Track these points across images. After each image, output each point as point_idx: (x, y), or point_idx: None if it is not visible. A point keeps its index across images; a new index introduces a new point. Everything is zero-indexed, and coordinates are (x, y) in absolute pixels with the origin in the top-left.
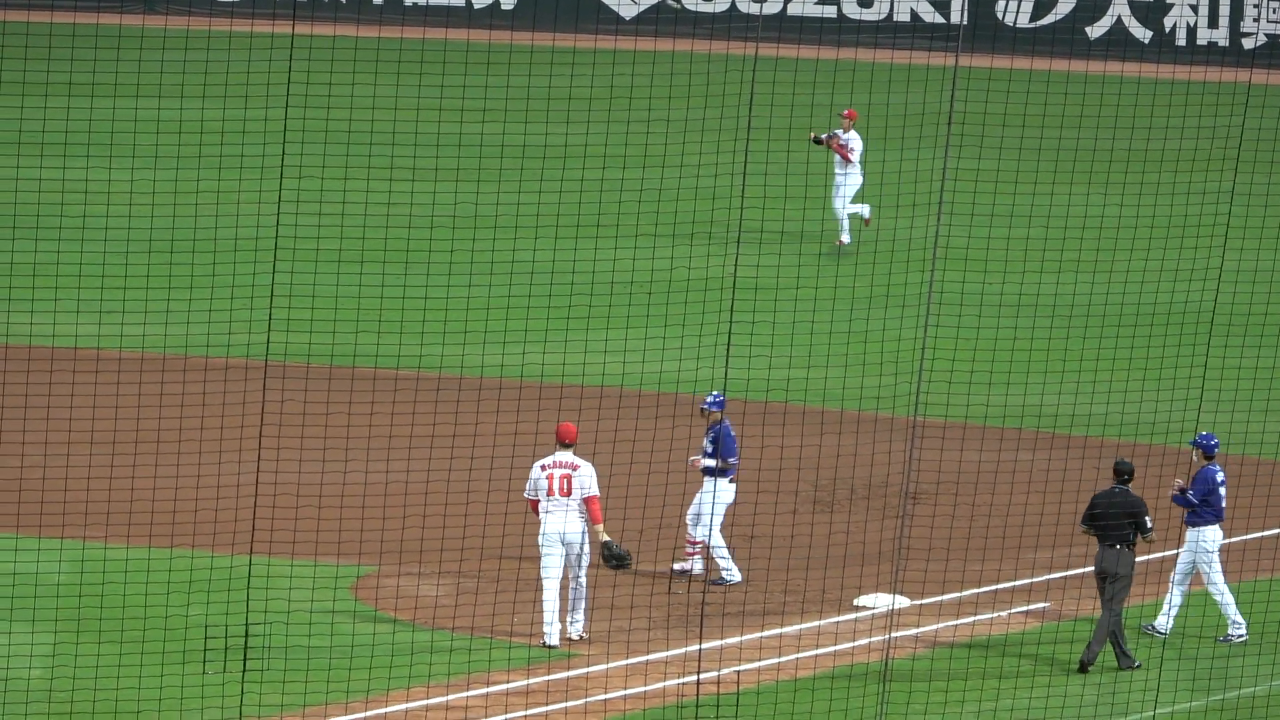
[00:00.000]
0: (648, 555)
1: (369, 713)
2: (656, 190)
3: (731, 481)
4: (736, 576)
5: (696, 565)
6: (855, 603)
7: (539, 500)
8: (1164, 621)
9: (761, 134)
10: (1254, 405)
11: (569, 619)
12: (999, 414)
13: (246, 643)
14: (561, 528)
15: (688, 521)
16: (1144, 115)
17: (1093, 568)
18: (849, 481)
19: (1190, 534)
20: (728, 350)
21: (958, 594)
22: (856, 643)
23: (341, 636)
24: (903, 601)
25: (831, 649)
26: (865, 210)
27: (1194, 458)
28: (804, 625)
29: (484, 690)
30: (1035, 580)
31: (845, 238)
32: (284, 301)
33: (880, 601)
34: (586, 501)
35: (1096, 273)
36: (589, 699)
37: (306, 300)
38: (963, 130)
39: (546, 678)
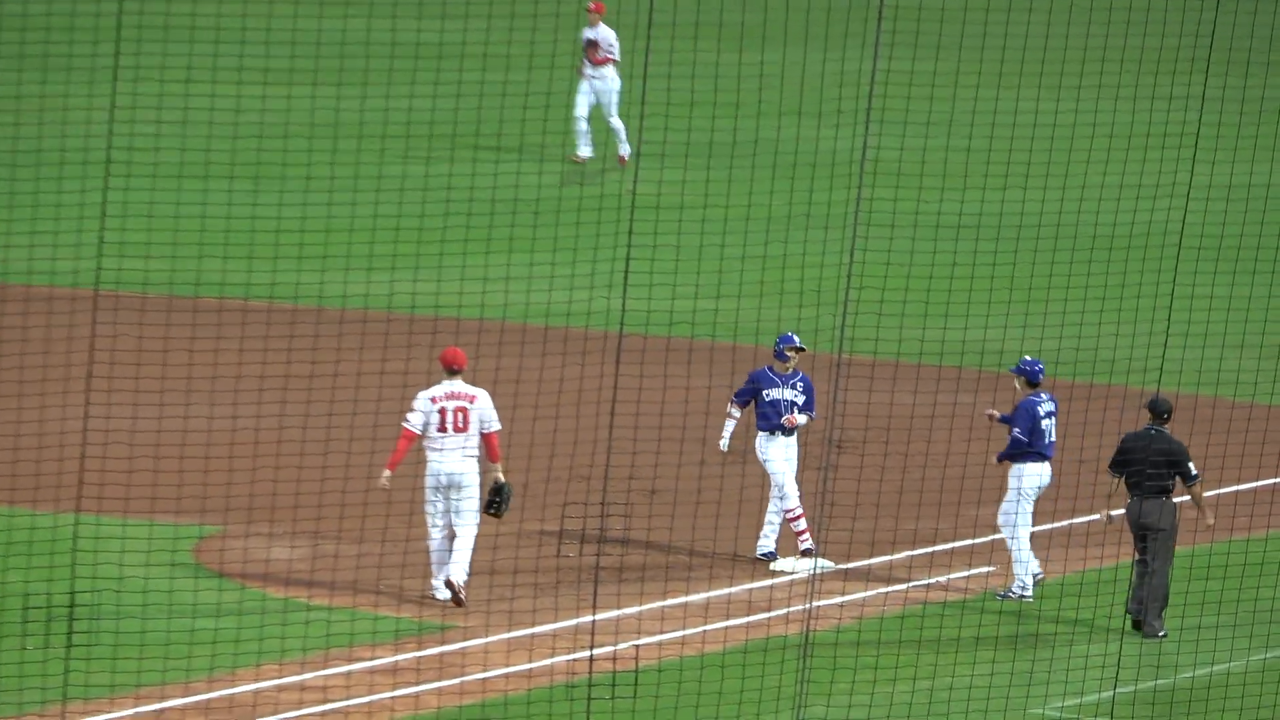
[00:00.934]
0: (533, 511)
1: (212, 694)
2: (544, 96)
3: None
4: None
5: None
6: (772, 567)
7: (425, 436)
8: (1021, 583)
9: (664, 31)
10: (1228, 340)
11: (450, 565)
12: (935, 351)
13: (72, 614)
14: (451, 468)
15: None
16: (1103, 6)
17: (1125, 520)
18: None
19: (1013, 470)
20: (625, 279)
21: (888, 556)
22: (773, 613)
23: (181, 607)
24: (826, 565)
25: (744, 620)
26: (622, 135)
27: (1016, 386)
28: (712, 593)
29: (345, 668)
30: (977, 541)
31: (585, 151)
32: (116, 223)
33: (800, 566)
34: (486, 438)
35: (1048, 189)
36: (465, 678)
37: (143, 221)
38: (894, 26)
39: (417, 654)
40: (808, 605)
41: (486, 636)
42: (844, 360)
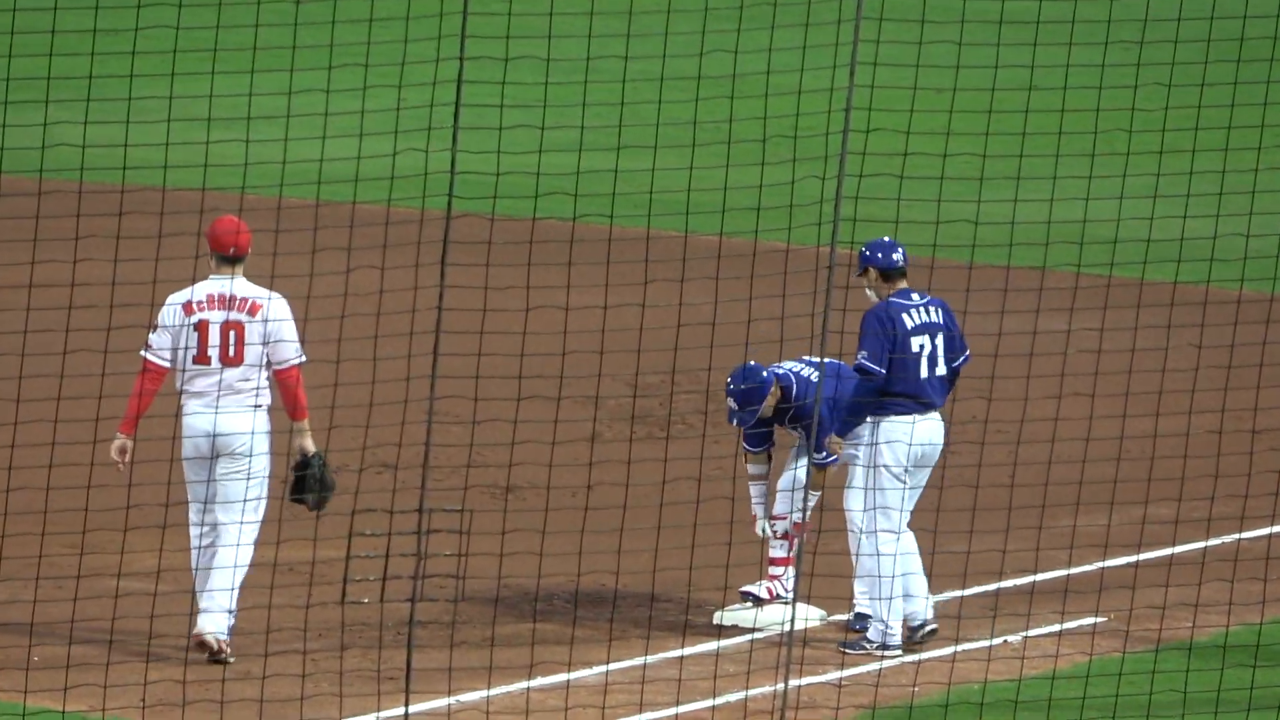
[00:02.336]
0: (298, 526)
1: None
2: None
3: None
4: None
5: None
6: (716, 619)
7: (172, 370)
8: (881, 626)
9: None
10: None
11: (202, 603)
12: (965, 240)
13: None
14: (214, 424)
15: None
16: None
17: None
18: (708, 379)
19: (865, 430)
20: (456, 111)
21: (921, 597)
22: (714, 701)
23: None
24: (812, 614)
25: (658, 714)
26: None
27: (867, 288)
28: (614, 666)
29: None
30: (1078, 571)
31: None
32: None
33: (765, 615)
34: (279, 377)
35: None
36: None
37: None
38: None
39: None
40: (779, 688)
41: None
42: (838, 259)
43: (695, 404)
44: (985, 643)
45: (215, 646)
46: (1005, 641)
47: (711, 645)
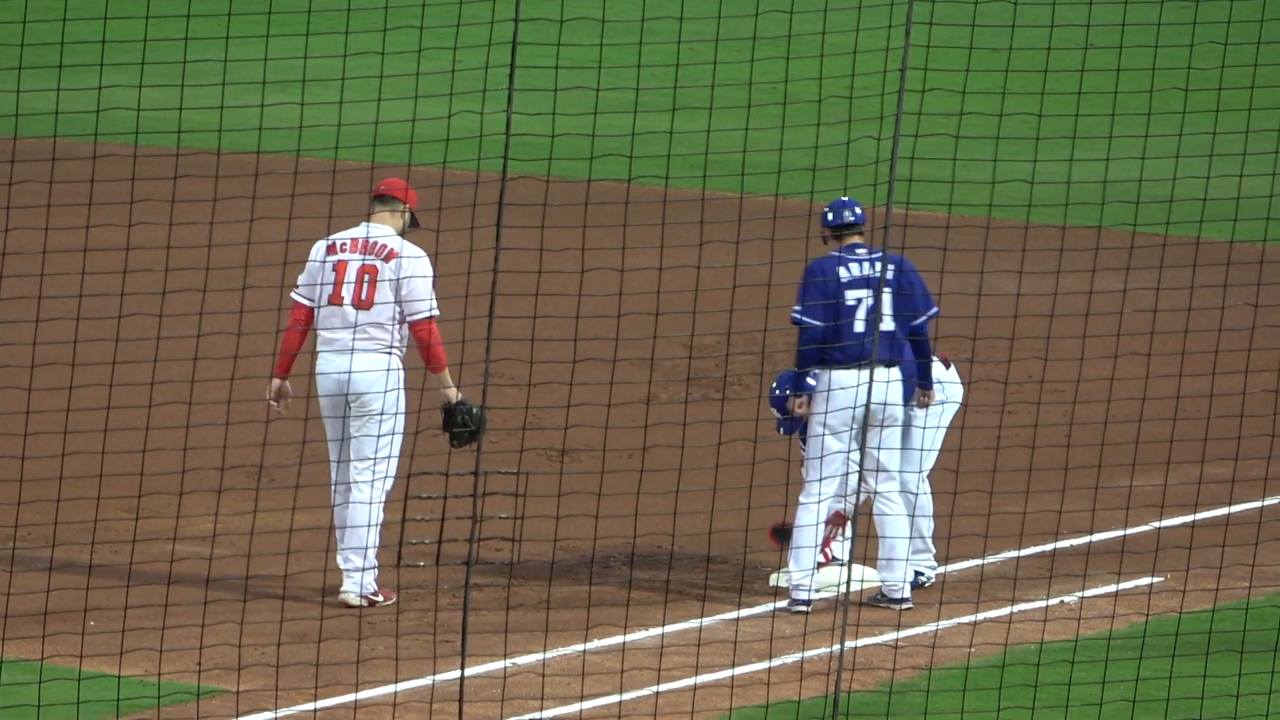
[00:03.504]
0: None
1: None
2: None
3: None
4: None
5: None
6: (773, 580)
7: (311, 309)
8: (791, 578)
9: None
10: None
11: (341, 564)
12: (1019, 199)
13: None
14: (343, 368)
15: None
16: None
17: None
18: (763, 340)
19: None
20: (511, 76)
21: (974, 561)
22: (771, 662)
23: None
24: (869, 575)
25: (714, 676)
26: None
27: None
28: (670, 628)
29: None
30: (1134, 531)
31: None
32: None
33: (821, 577)
34: (412, 330)
35: None
36: None
37: None
38: None
39: None
40: (835, 649)
41: (275, 710)
42: (899, 218)
43: (751, 365)
44: (1042, 603)
45: (360, 604)
46: (1062, 602)
47: (767, 607)
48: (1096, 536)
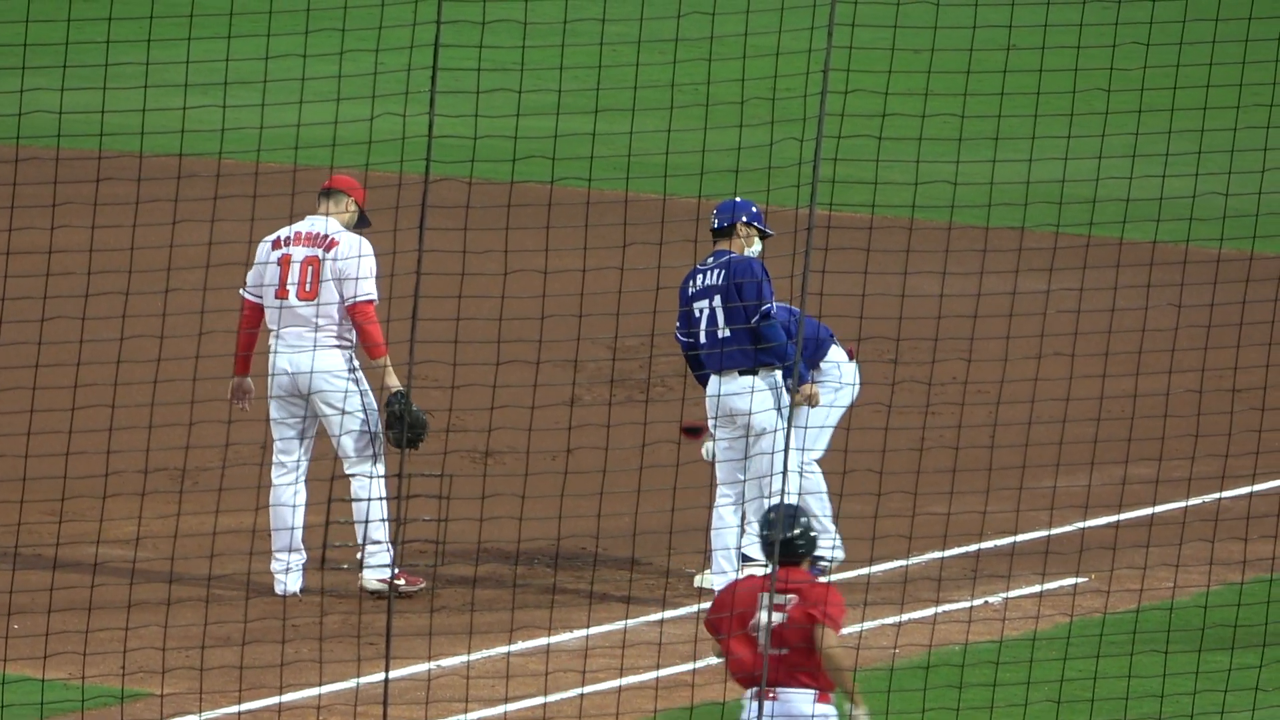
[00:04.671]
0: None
1: None
2: None
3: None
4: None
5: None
6: (697, 582)
7: (259, 305)
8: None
9: None
10: None
11: (363, 552)
12: (941, 198)
13: None
14: (292, 363)
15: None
16: None
17: None
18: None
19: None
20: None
21: (900, 562)
22: (696, 664)
23: None
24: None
25: (639, 678)
26: None
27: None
28: (594, 630)
29: None
30: (1058, 532)
31: None
32: None
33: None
34: (351, 312)
35: None
36: None
37: None
38: None
39: None
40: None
41: (199, 713)
42: (822, 219)
43: (675, 366)
44: (966, 604)
45: (384, 590)
46: (986, 603)
47: (692, 608)
48: (1021, 537)
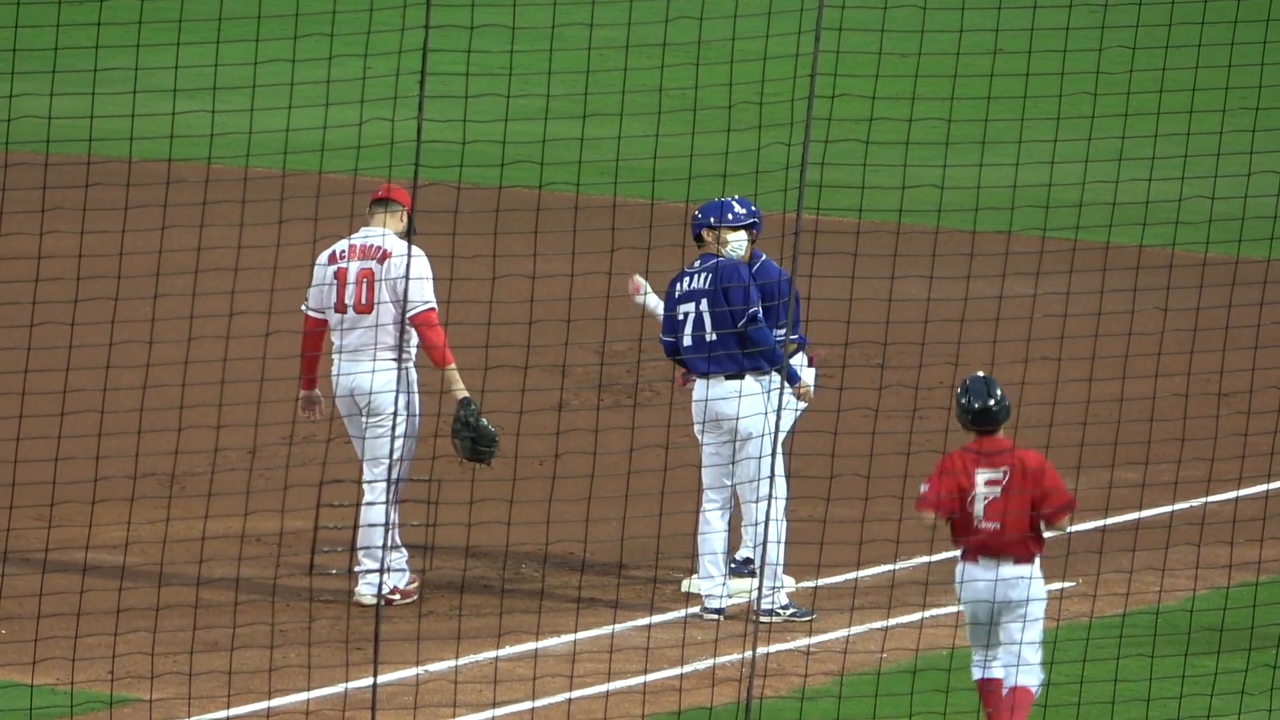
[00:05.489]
0: (261, 497)
1: None
2: None
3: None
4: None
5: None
6: (684, 587)
7: (319, 319)
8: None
9: None
10: None
11: (360, 561)
12: (928, 202)
13: None
14: (353, 375)
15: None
16: None
17: None
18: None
19: (708, 385)
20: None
21: (888, 566)
22: (683, 669)
23: None
24: (785, 582)
25: (626, 683)
26: None
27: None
28: (578, 635)
29: None
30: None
31: None
32: None
33: (734, 584)
34: (413, 324)
35: None
36: None
37: None
38: None
39: None
40: (747, 654)
41: (188, 718)
42: (810, 223)
43: (662, 371)
44: (954, 609)
45: (373, 603)
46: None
47: (679, 613)
48: None
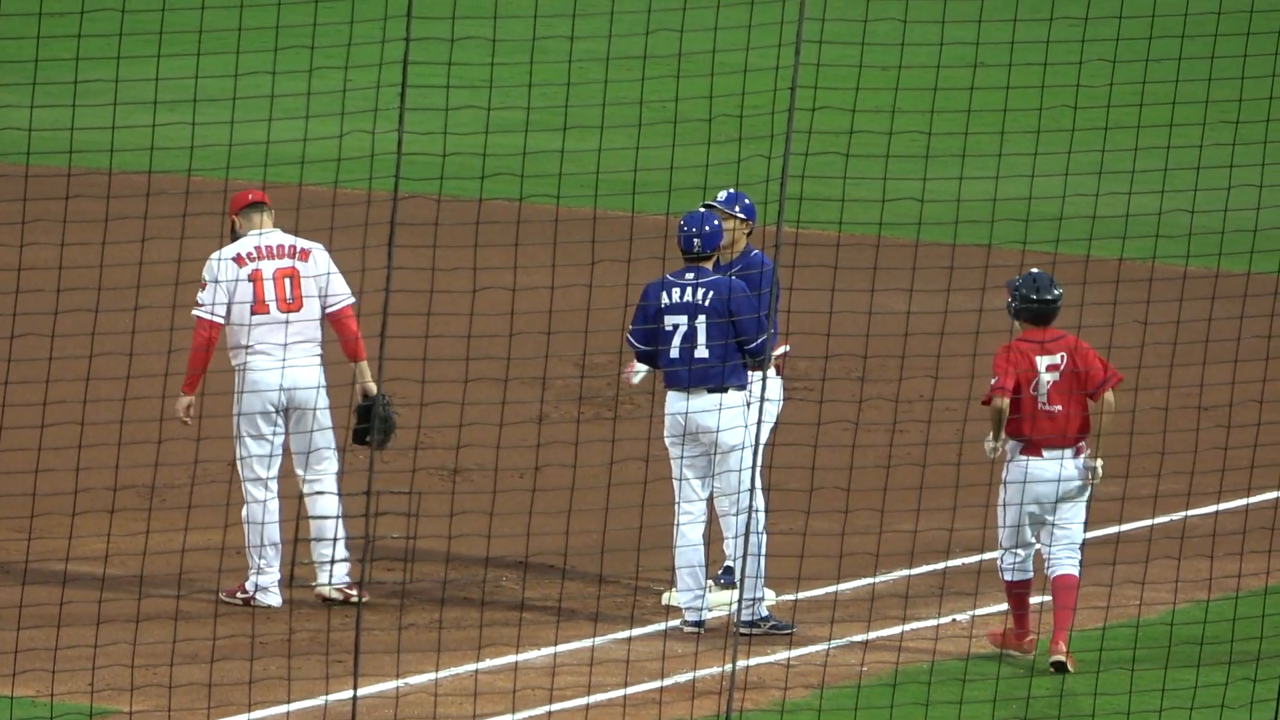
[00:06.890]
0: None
1: None
2: None
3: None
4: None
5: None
6: (664, 599)
7: (232, 325)
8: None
9: None
10: None
11: (317, 560)
12: (908, 216)
13: None
14: (289, 378)
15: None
16: None
17: None
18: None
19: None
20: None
21: (868, 579)
22: (663, 682)
23: None
24: (769, 597)
25: (606, 695)
26: None
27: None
28: (559, 647)
29: None
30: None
31: None
32: None
33: (713, 596)
34: (338, 317)
35: None
36: None
37: None
38: None
39: None
40: (727, 667)
41: None
42: (789, 237)
43: (643, 384)
44: (934, 621)
45: (339, 597)
46: (954, 620)
47: (659, 626)
48: (987, 555)
